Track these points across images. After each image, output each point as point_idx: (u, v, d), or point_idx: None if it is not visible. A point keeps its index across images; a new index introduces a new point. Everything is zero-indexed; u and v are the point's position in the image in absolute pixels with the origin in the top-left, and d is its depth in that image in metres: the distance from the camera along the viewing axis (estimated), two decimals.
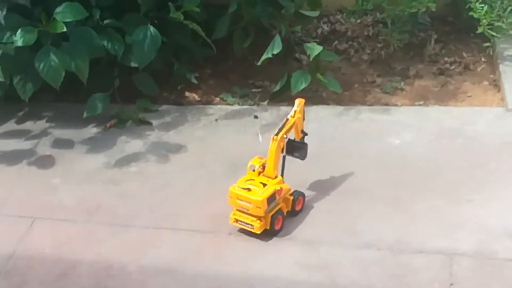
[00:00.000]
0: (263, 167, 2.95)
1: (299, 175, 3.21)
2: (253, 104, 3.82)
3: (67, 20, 3.40)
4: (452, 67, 4.01)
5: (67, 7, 3.43)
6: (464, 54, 4.10)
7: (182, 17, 3.55)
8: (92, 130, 3.68)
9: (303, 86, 3.66)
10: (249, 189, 2.87)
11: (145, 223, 3.03)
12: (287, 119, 2.98)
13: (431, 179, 3.13)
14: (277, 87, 3.76)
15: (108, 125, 3.69)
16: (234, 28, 3.90)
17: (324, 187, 3.15)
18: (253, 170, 2.96)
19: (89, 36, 3.56)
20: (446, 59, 4.06)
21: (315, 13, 3.93)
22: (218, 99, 3.90)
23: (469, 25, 3.98)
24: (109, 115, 3.72)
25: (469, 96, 3.76)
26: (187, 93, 3.94)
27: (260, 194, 2.84)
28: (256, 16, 3.81)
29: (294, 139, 3.05)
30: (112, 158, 3.46)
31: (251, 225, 2.87)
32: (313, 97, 3.81)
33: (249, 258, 2.81)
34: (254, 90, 3.96)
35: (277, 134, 2.93)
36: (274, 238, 2.89)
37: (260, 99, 3.86)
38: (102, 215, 3.09)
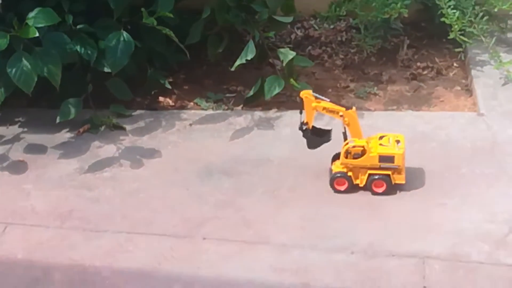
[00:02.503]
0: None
1: (273, 179, 3.23)
2: (227, 109, 3.82)
3: (40, 25, 3.39)
4: (425, 72, 4.04)
5: (39, 12, 3.41)
6: (436, 59, 4.14)
7: (155, 23, 3.54)
8: (65, 135, 3.67)
9: (277, 91, 3.67)
10: (398, 141, 3.05)
11: (119, 228, 3.02)
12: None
13: (404, 183, 3.15)
14: (251, 92, 3.77)
15: (81, 130, 3.68)
16: (208, 33, 3.91)
17: (297, 190, 3.16)
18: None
19: (62, 41, 3.55)
20: (418, 64, 4.10)
21: (289, 19, 3.94)
22: (192, 104, 3.91)
23: (441, 30, 4.02)
24: (82, 120, 3.70)
25: (442, 101, 3.79)
26: (161, 98, 3.94)
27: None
28: (230, 21, 3.82)
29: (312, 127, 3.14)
30: (85, 163, 3.44)
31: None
32: (287, 102, 3.83)
33: (223, 262, 2.80)
34: (228, 95, 3.97)
35: (350, 108, 3.05)
36: (248, 243, 2.89)
37: (234, 104, 3.87)
38: (75, 220, 3.07)
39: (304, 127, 3.14)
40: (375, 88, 3.91)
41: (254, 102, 3.80)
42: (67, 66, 3.58)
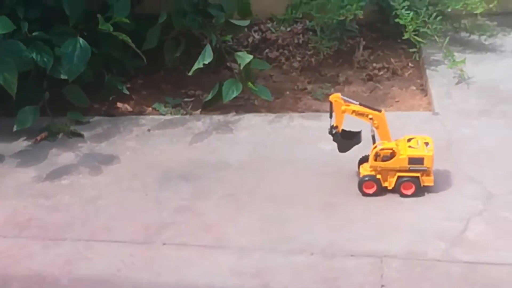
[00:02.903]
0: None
1: (232, 183, 3.24)
2: (186, 114, 3.83)
3: None
4: (381, 73, 4.09)
5: None
6: (392, 60, 4.18)
7: (111, 29, 3.54)
8: (22, 144, 3.64)
9: (235, 94, 3.69)
10: (427, 143, 3.06)
11: (78, 235, 3.00)
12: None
13: None
14: (209, 96, 3.78)
15: (38, 138, 3.66)
16: (165, 38, 3.91)
17: (257, 193, 3.17)
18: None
19: (18, 49, 3.53)
20: (374, 65, 4.14)
21: (245, 23, 3.96)
22: (150, 109, 3.90)
23: (396, 31, 4.07)
24: (40, 128, 3.68)
25: (397, 101, 3.84)
26: (119, 104, 3.93)
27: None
28: (186, 26, 3.83)
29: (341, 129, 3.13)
30: (43, 171, 3.42)
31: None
32: (245, 105, 3.85)
33: (183, 268, 2.81)
34: (186, 99, 3.97)
35: (380, 111, 3.04)
36: (208, 247, 2.90)
37: (192, 109, 3.87)
38: (33, 229, 3.05)
39: (334, 131, 3.12)
40: (332, 89, 3.94)
41: (213, 106, 3.81)
42: (23, 74, 3.57)
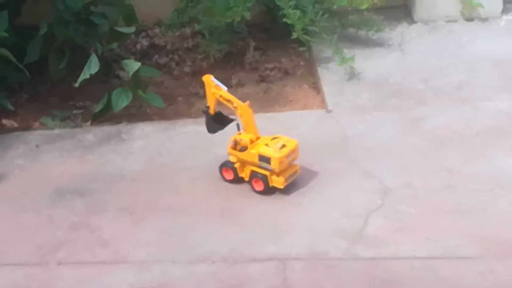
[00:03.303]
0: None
1: (128, 195, 3.15)
2: (75, 126, 3.70)
3: None
4: (273, 73, 4.07)
5: None
6: (283, 59, 4.17)
7: None
8: None
9: (125, 103, 3.60)
10: (284, 145, 3.07)
11: None
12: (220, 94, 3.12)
13: None
14: (99, 107, 3.67)
15: None
16: (49, 49, 3.78)
17: (153, 204, 3.10)
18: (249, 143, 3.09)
19: None
20: (266, 65, 4.12)
21: (131, 29, 3.87)
22: (37, 124, 3.76)
23: (285, 31, 4.05)
24: None
25: (291, 101, 3.83)
26: (4, 121, 3.77)
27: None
28: (70, 36, 3.70)
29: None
30: None
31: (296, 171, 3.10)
32: (138, 114, 3.76)
33: (81, 287, 2.70)
34: (75, 111, 3.85)
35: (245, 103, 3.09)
36: (106, 263, 2.80)
37: (82, 121, 3.75)
38: None
39: (206, 110, 3.16)
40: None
41: (103, 117, 3.70)
42: None
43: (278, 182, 3.06)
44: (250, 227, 2.92)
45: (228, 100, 3.11)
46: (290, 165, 3.09)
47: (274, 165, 3.03)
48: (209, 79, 3.11)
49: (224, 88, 3.12)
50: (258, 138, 3.12)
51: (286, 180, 3.06)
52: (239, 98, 3.74)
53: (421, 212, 2.95)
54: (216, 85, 3.11)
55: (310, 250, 2.78)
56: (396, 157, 3.27)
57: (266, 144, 3.08)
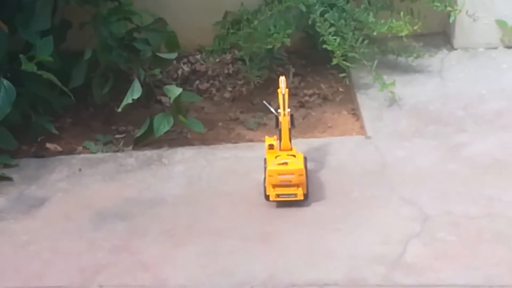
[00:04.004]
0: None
1: (168, 219, 3.19)
2: (117, 151, 3.76)
3: None
4: (312, 99, 4.09)
5: None
6: (322, 85, 4.19)
7: (35, 68, 3.45)
8: None
9: (166, 128, 3.65)
10: (286, 163, 3.14)
11: (11, 283, 2.90)
12: (283, 95, 3.23)
13: (298, 211, 3.16)
14: (141, 132, 3.72)
15: None
16: (92, 74, 3.85)
17: (194, 228, 3.12)
18: (272, 147, 3.23)
19: None
20: (305, 91, 4.14)
21: (173, 55, 3.92)
22: (81, 148, 3.82)
23: (325, 57, 4.07)
24: None
25: (330, 127, 3.85)
26: (48, 145, 3.84)
27: (298, 163, 3.15)
28: (113, 61, 3.77)
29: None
30: None
31: (294, 194, 3.13)
32: (178, 139, 3.80)
33: None
34: (117, 136, 3.90)
35: (283, 110, 3.21)
36: (146, 286, 2.84)
37: (124, 145, 3.81)
38: None
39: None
40: (265, 118, 3.92)
41: (144, 141, 3.75)
42: None
43: (271, 193, 3.17)
44: (290, 253, 2.93)
45: (283, 103, 3.21)
46: (287, 185, 3.14)
47: (265, 174, 3.16)
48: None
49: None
50: (289, 149, 3.24)
51: (277, 196, 3.15)
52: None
53: (461, 240, 2.93)
54: (284, 87, 3.26)
55: (348, 276, 2.78)
56: (436, 184, 3.27)
57: (278, 156, 3.20)
